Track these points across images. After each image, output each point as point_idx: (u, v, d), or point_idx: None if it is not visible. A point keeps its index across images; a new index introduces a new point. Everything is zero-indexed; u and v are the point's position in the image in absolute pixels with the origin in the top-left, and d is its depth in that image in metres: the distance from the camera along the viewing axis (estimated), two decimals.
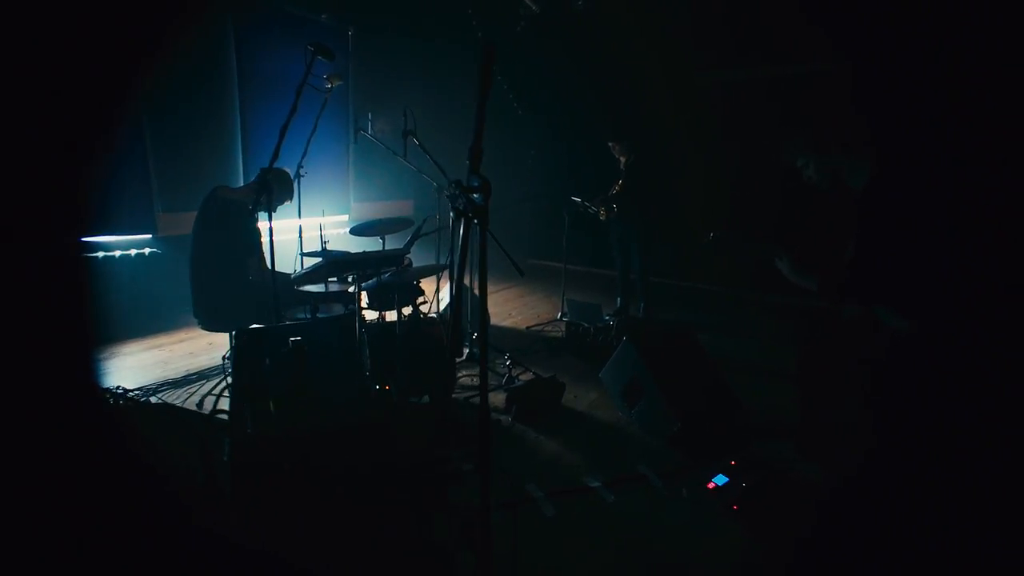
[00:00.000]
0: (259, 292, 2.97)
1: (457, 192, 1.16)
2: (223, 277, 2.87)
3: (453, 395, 3.25)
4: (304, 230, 4.35)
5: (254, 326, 1.91)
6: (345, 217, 6.07)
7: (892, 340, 2.07)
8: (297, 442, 1.38)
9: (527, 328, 4.80)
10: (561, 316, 4.89)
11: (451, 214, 1.22)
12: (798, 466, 2.50)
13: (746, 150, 5.29)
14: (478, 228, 1.17)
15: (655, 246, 4.99)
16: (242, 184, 5.20)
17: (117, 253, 4.53)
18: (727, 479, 2.44)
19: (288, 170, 3.20)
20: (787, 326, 4.87)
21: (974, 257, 1.88)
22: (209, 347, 4.14)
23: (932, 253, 1.94)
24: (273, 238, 2.27)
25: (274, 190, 2.72)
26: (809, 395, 2.47)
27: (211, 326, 2.98)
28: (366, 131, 3.45)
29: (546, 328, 4.76)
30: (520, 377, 3.60)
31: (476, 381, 3.56)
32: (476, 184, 1.13)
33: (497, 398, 3.34)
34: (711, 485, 2.43)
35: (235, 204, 2.89)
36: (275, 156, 2.43)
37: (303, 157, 3.76)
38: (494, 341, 4.19)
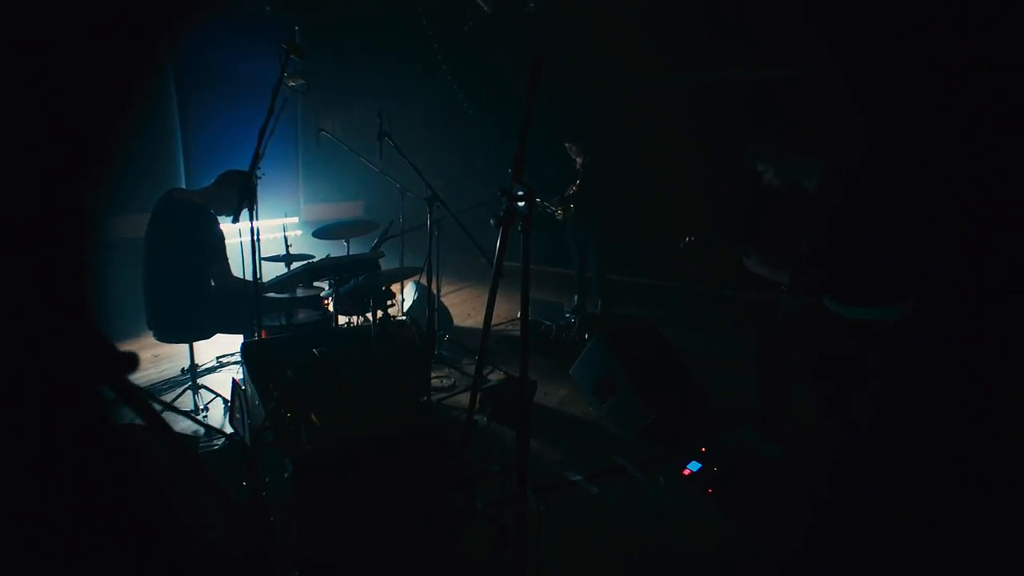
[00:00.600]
0: (223, 299, 2.84)
1: (501, 198, 1.19)
2: (185, 285, 2.72)
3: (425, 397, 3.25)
4: (256, 233, 4.18)
5: (247, 337, 1.82)
6: (295, 219, 5.86)
7: (870, 331, 2.27)
8: (353, 454, 1.35)
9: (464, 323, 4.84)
10: (520, 315, 4.95)
11: (491, 220, 1.25)
12: (761, 448, 2.69)
13: (703, 150, 5.51)
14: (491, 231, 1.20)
15: (611, 244, 5.14)
16: (184, 185, 4.94)
17: None
18: (700, 465, 2.59)
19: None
20: (739, 318, 5.19)
21: (947, 247, 2.09)
22: (155, 359, 3.90)
23: (910, 245, 2.14)
24: (255, 239, 2.19)
25: (244, 194, 2.62)
26: (768, 381, 2.66)
27: (169, 337, 2.83)
28: (327, 131, 3.36)
29: (507, 327, 4.81)
30: (490, 376, 3.64)
31: (445, 383, 3.57)
32: (520, 192, 1.17)
33: (459, 397, 3.37)
34: (686, 471, 2.57)
35: (198, 208, 2.75)
36: (255, 160, 2.35)
37: (261, 159, 3.62)
38: (458, 341, 4.21)
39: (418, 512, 1.36)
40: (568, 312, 4.81)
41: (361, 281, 2.73)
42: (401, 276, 3.06)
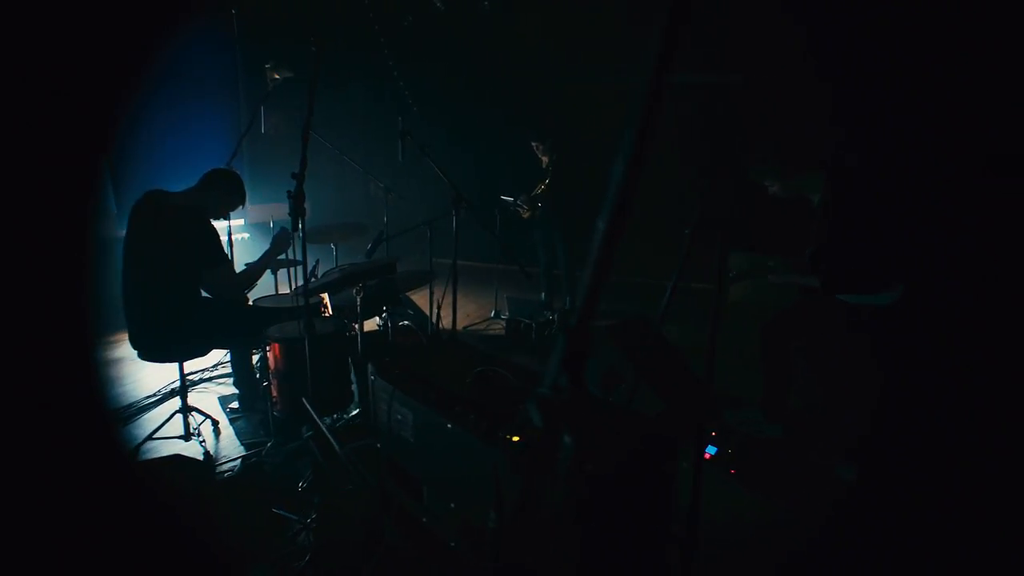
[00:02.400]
0: (222, 310, 2.60)
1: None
2: (180, 296, 2.45)
3: None
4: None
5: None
6: (241, 221, 5.43)
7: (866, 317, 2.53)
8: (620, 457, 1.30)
9: (463, 328, 4.79)
10: (494, 314, 4.96)
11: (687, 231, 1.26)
12: (765, 428, 2.91)
13: (668, 149, 5.74)
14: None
15: (575, 242, 5.23)
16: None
17: None
18: (716, 448, 2.76)
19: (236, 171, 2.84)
20: (697, 309, 5.48)
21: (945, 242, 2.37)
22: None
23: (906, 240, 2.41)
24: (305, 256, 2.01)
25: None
26: (771, 365, 2.89)
27: (159, 356, 2.54)
28: (315, 132, 3.14)
29: (483, 327, 4.80)
30: None
31: None
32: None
33: None
34: (706, 456, 2.72)
35: (189, 209, 2.47)
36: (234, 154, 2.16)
37: (232, 157, 3.35)
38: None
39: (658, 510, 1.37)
40: (547, 310, 4.87)
41: (374, 286, 2.62)
42: (419, 281, 2.97)
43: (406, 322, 3.30)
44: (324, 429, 1.55)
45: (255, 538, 2.09)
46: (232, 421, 2.99)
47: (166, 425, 2.71)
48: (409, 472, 1.39)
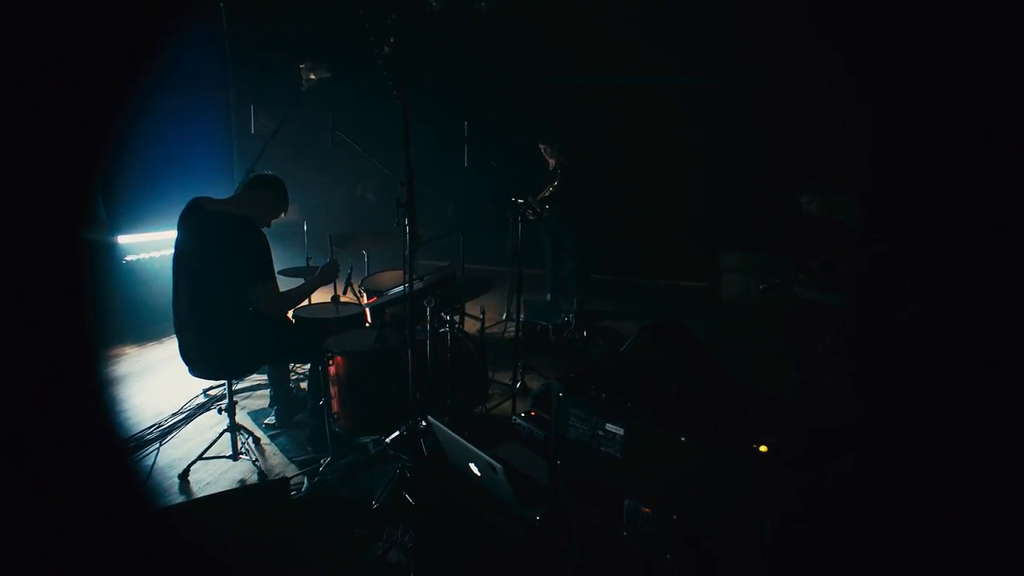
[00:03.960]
0: (273, 324, 2.48)
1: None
2: (236, 311, 2.32)
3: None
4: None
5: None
6: None
7: (889, 324, 2.65)
8: None
9: (476, 332, 4.74)
10: (506, 317, 4.93)
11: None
12: None
13: (671, 151, 5.80)
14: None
15: (584, 243, 5.26)
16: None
17: None
18: None
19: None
20: (700, 309, 5.63)
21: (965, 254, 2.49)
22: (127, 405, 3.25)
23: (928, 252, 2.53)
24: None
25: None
26: (805, 368, 2.99)
27: (211, 373, 2.40)
28: (342, 132, 3.04)
29: (498, 330, 4.76)
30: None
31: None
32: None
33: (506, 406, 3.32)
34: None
35: (239, 219, 2.33)
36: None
37: (258, 159, 3.20)
38: None
39: None
40: (561, 311, 4.88)
41: (437, 298, 2.55)
42: (479, 289, 2.94)
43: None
44: (469, 445, 1.48)
45: (341, 561, 2.01)
46: (272, 438, 2.86)
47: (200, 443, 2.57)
48: (614, 488, 1.36)
